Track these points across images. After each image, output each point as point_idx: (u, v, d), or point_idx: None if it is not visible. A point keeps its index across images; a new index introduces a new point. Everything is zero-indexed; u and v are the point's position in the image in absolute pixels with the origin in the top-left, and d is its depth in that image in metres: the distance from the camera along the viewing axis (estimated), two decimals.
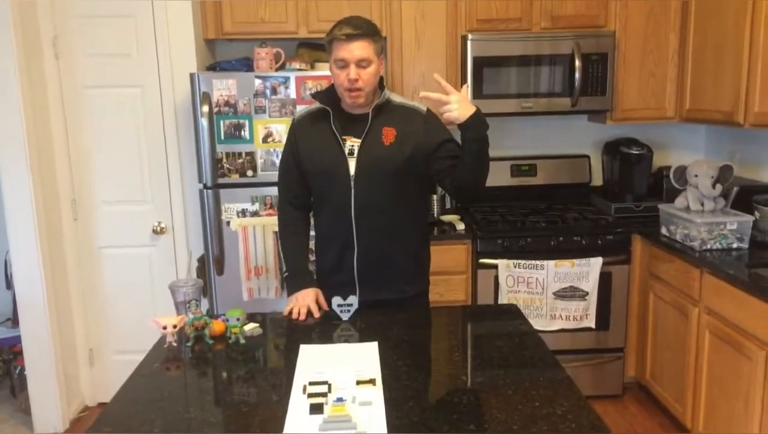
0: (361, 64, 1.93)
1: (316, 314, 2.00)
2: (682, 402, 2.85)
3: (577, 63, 3.21)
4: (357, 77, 1.93)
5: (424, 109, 2.10)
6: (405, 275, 2.15)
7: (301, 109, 2.19)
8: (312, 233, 2.22)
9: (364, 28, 1.93)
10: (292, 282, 2.13)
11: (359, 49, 1.92)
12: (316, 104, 2.11)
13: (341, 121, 2.05)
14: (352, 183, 2.02)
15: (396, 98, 2.11)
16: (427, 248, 2.25)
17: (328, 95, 2.08)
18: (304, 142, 2.10)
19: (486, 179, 2.01)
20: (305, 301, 2.03)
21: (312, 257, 2.23)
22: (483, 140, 1.90)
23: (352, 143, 2.03)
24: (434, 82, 1.94)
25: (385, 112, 2.05)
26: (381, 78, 2.05)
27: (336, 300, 1.98)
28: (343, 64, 1.93)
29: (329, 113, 2.04)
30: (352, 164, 2.02)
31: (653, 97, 3.38)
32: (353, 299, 1.98)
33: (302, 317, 1.99)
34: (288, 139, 2.16)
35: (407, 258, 2.15)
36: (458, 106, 1.85)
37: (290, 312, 2.02)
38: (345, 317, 1.98)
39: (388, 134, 2.02)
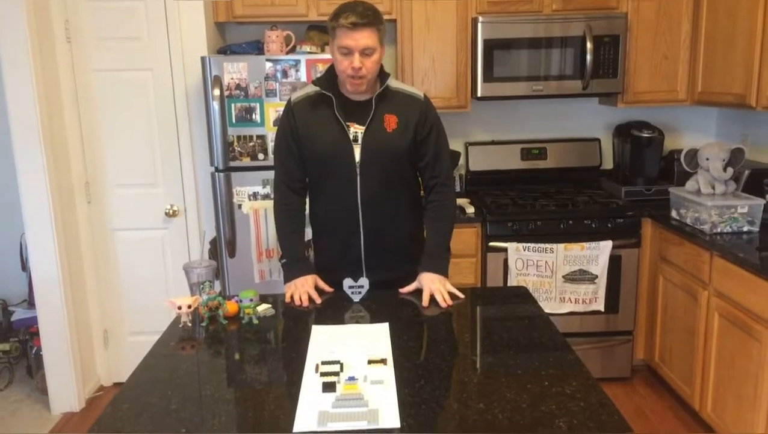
0: (366, 52, 1.92)
1: (318, 301, 2.01)
2: (691, 385, 2.87)
3: (589, 45, 3.19)
4: (361, 66, 1.92)
5: (422, 95, 2.12)
6: (408, 254, 2.18)
7: (297, 92, 2.13)
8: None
9: (370, 17, 1.91)
10: (290, 270, 2.12)
11: (364, 38, 1.90)
12: (314, 88, 2.08)
13: (343, 107, 2.04)
14: (358, 170, 2.03)
15: (393, 84, 2.10)
16: (422, 225, 2.27)
17: (329, 81, 2.06)
18: (304, 126, 2.06)
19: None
20: (304, 288, 2.04)
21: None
22: None
23: (356, 130, 2.03)
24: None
25: (385, 98, 2.06)
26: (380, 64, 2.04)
27: (347, 282, 2.00)
28: (347, 52, 1.92)
29: (330, 99, 2.03)
30: (357, 151, 2.03)
31: (665, 79, 3.36)
32: (364, 281, 2.00)
33: (305, 303, 2.00)
34: (285, 122, 2.10)
35: (410, 238, 2.19)
36: (431, 295, 2.01)
37: (292, 299, 2.02)
38: (356, 298, 2.00)
39: (390, 121, 2.04)
